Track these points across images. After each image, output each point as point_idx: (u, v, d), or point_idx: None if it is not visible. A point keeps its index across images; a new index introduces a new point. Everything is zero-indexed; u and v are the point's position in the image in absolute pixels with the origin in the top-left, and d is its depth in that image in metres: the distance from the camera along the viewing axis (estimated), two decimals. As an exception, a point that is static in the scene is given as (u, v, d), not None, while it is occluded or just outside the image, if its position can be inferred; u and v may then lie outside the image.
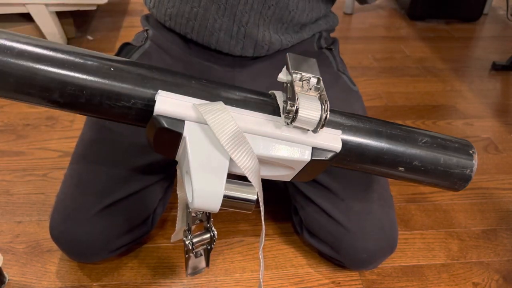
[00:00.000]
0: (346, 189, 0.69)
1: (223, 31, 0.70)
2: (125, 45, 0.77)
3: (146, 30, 0.77)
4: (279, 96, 0.49)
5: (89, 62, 0.44)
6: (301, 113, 0.44)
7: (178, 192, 0.54)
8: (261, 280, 0.47)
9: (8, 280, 0.71)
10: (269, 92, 0.51)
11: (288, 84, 0.47)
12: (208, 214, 0.53)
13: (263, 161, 0.48)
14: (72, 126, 1.06)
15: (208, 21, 0.70)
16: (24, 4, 1.31)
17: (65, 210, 0.65)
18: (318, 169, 0.51)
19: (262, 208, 0.46)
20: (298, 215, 0.77)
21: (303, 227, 0.75)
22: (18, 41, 0.43)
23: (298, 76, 0.47)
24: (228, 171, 0.45)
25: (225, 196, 0.44)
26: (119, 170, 0.65)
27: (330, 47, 0.80)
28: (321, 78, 0.47)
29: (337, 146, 0.50)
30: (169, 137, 0.44)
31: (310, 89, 0.47)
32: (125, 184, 0.65)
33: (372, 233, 0.67)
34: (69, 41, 1.47)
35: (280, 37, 0.72)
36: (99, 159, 0.66)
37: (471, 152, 0.57)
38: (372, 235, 0.67)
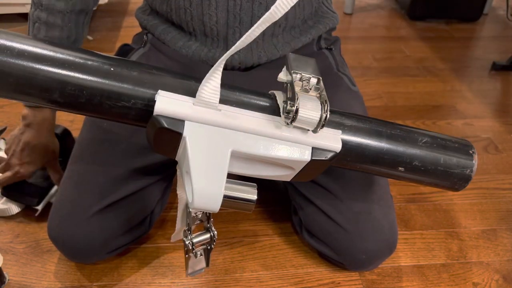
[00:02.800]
0: (345, 190, 0.69)
1: (216, 60, 0.70)
2: (124, 46, 0.77)
3: (146, 33, 0.77)
4: (279, 96, 0.49)
5: (89, 62, 0.44)
6: (301, 113, 0.44)
7: (178, 192, 0.54)
8: None
9: (8, 280, 0.71)
10: (269, 92, 0.51)
11: (288, 84, 0.47)
12: (208, 214, 0.53)
13: (263, 161, 0.49)
14: (72, 126, 1.06)
15: (202, 51, 0.72)
16: (24, 4, 1.31)
17: (63, 211, 0.65)
18: (318, 169, 0.51)
19: None
20: (297, 216, 0.77)
21: (303, 227, 0.75)
22: (18, 41, 0.43)
23: (298, 76, 0.47)
24: (228, 171, 0.45)
25: (225, 196, 0.44)
26: (116, 171, 0.65)
27: (330, 47, 0.80)
28: (321, 78, 0.47)
29: (337, 146, 0.50)
30: (169, 137, 0.44)
31: (310, 89, 0.47)
32: (122, 185, 0.65)
33: (371, 234, 0.67)
34: (69, 41, 1.47)
35: (277, 51, 0.72)
36: (97, 160, 0.66)
37: (471, 152, 0.57)
38: (371, 236, 0.67)
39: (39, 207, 0.79)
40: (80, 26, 0.68)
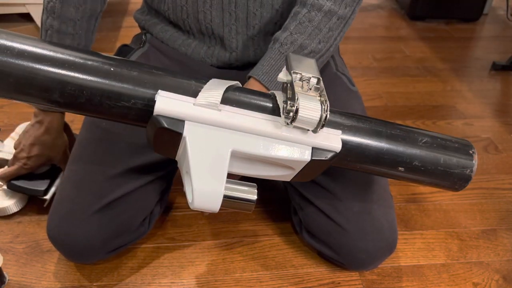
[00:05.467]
0: (344, 189, 0.69)
1: (215, 57, 0.72)
2: (123, 47, 0.77)
3: (145, 33, 0.77)
4: (279, 96, 0.49)
5: (89, 62, 0.44)
6: (301, 113, 0.44)
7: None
8: None
9: (8, 280, 0.71)
10: (269, 92, 0.51)
11: (288, 84, 0.47)
12: None
13: (263, 161, 0.49)
14: (72, 126, 1.05)
15: (201, 49, 0.72)
16: (24, 4, 1.31)
17: (62, 210, 0.65)
18: (318, 169, 0.51)
19: None
20: (297, 216, 0.77)
21: (302, 227, 0.75)
22: (18, 41, 0.43)
23: (298, 76, 0.47)
24: (228, 171, 0.45)
25: (225, 196, 0.44)
26: (115, 170, 0.65)
27: None
28: (321, 78, 0.47)
29: (337, 146, 0.50)
30: (169, 137, 0.44)
31: (310, 89, 0.47)
32: (121, 184, 0.65)
33: (371, 233, 0.67)
34: (69, 41, 1.47)
35: None
36: (96, 160, 0.66)
37: (471, 152, 0.57)
38: (371, 236, 0.67)
39: (47, 197, 0.79)
40: (90, 32, 0.69)
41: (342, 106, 0.69)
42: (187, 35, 0.73)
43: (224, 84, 0.47)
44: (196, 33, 0.71)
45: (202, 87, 0.47)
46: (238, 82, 0.50)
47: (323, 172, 0.66)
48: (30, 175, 0.80)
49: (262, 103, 0.49)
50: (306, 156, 0.48)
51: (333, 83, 0.75)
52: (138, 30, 0.82)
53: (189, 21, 0.70)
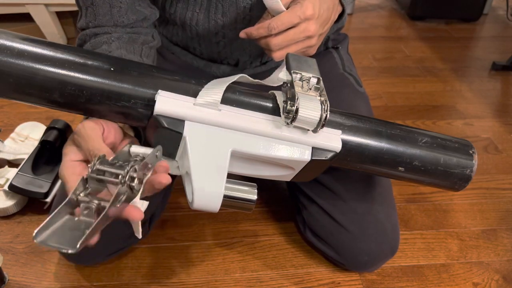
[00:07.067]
0: (348, 190, 0.68)
1: (227, 73, 0.73)
2: None
3: None
4: (279, 96, 0.49)
5: (89, 62, 0.44)
6: (301, 113, 0.44)
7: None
8: None
9: (8, 280, 0.71)
10: (269, 92, 0.51)
11: (288, 84, 0.47)
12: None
13: (263, 161, 0.49)
14: (72, 126, 1.05)
15: (211, 68, 0.73)
16: (24, 4, 1.31)
17: None
18: (318, 169, 0.51)
19: None
20: (301, 215, 0.77)
21: (306, 227, 0.75)
22: (18, 41, 0.43)
23: (298, 76, 0.47)
24: (228, 171, 0.45)
25: (225, 196, 0.44)
26: None
27: (337, 46, 0.79)
28: (321, 78, 0.47)
29: (337, 146, 0.50)
30: (169, 137, 0.44)
31: (310, 89, 0.47)
32: None
33: (374, 235, 0.67)
34: (69, 41, 1.47)
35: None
36: None
37: (471, 152, 0.57)
38: (373, 237, 0.67)
39: (48, 199, 0.80)
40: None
41: (347, 107, 0.68)
42: (195, 55, 0.74)
43: (224, 83, 0.47)
44: (210, 60, 0.73)
45: (202, 87, 0.47)
46: (243, 75, 0.50)
47: (327, 172, 0.66)
48: (31, 177, 0.81)
49: (262, 103, 0.49)
50: (306, 156, 0.48)
51: (340, 84, 0.74)
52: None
53: (203, 56, 0.72)
